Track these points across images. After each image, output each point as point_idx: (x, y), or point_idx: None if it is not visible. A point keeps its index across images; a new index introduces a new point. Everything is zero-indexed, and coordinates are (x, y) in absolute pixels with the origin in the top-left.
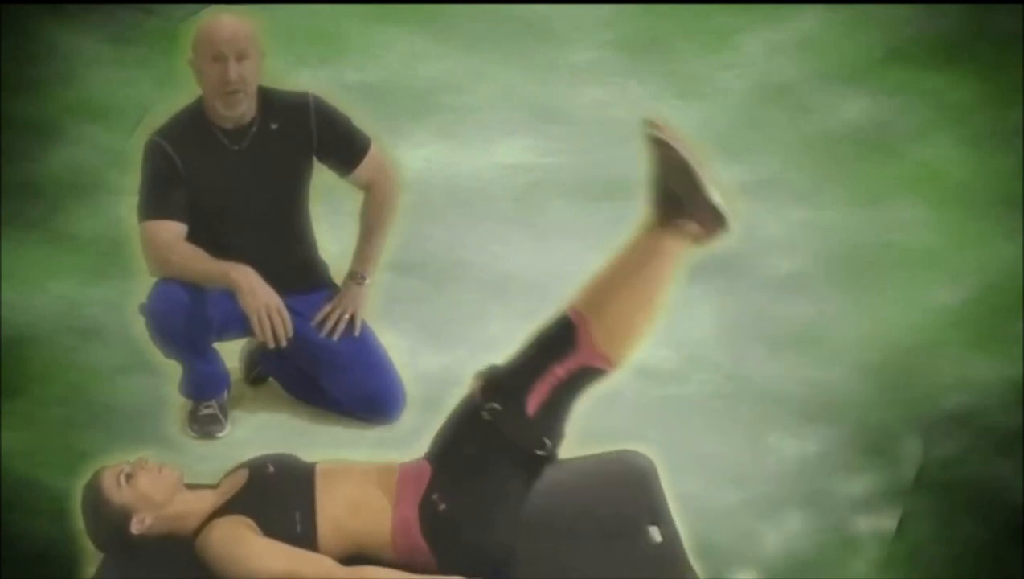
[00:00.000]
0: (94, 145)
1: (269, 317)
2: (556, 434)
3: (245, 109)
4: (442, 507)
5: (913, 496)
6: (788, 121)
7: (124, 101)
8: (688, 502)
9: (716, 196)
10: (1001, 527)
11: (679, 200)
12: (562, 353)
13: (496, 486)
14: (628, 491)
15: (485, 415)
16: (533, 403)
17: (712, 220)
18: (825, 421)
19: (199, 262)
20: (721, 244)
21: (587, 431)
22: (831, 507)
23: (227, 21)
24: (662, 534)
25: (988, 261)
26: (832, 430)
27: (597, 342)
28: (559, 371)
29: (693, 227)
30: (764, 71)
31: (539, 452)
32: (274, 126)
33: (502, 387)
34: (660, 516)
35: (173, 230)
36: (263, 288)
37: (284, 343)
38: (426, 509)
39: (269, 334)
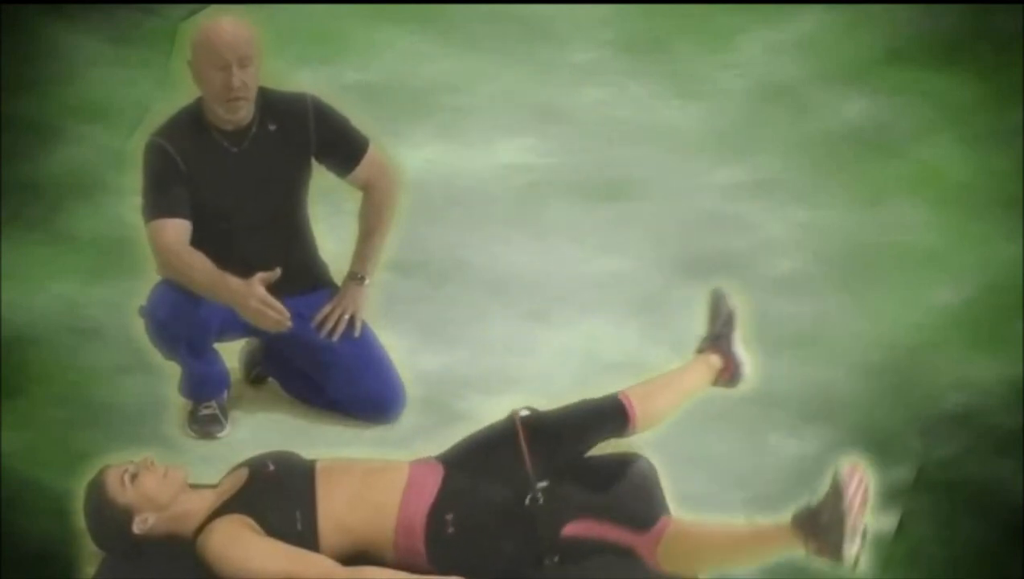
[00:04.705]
0: (94, 145)
1: (262, 312)
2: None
3: (246, 113)
4: (451, 531)
5: (913, 496)
6: (788, 121)
7: (124, 101)
8: (688, 502)
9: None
10: (1001, 527)
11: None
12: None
13: (509, 538)
14: (630, 494)
15: (527, 501)
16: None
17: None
18: (825, 421)
19: (201, 274)
20: (721, 244)
21: None
22: None
23: (229, 26)
24: None
25: (988, 261)
26: (832, 430)
27: (638, 420)
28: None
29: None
30: (764, 71)
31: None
32: (272, 127)
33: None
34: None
35: (178, 229)
36: (246, 287)
37: (288, 324)
38: (434, 521)
39: (272, 324)
